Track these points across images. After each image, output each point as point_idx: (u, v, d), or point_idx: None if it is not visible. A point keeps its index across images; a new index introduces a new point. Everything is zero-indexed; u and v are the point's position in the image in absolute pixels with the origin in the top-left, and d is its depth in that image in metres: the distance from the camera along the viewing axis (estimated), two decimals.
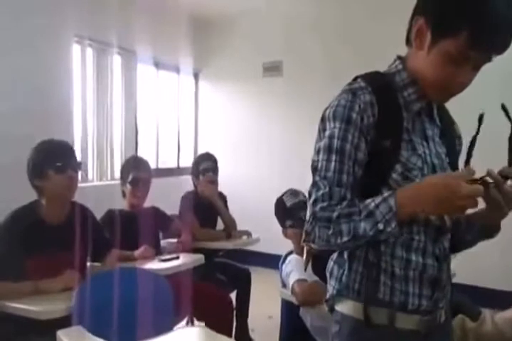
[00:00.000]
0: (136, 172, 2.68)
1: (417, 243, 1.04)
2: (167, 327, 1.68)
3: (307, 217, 1.02)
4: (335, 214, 0.97)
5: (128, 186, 2.68)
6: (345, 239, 0.96)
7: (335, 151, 1.01)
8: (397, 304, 1.03)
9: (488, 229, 1.11)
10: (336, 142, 1.02)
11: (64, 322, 1.64)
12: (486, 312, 1.78)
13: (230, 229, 3.11)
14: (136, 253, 2.41)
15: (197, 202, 3.06)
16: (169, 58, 4.97)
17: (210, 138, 5.44)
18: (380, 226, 0.93)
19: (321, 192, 1.00)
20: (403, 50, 1.09)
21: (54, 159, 1.95)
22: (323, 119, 1.07)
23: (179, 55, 5.10)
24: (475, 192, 0.89)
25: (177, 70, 5.17)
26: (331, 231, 0.97)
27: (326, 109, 1.08)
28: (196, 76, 5.46)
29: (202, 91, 5.50)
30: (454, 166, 1.12)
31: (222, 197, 3.26)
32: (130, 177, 2.66)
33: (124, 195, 2.74)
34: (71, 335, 1.50)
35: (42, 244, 1.91)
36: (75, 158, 2.06)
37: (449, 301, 1.11)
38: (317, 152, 1.06)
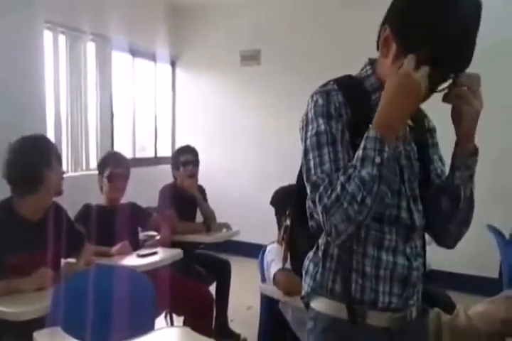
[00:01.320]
0: (114, 167, 2.66)
1: (388, 242, 1.06)
2: (148, 327, 1.66)
3: (322, 223, 0.99)
4: (338, 189, 0.94)
5: (105, 181, 2.65)
6: (359, 198, 0.92)
7: (326, 144, 1.01)
8: (367, 302, 1.06)
9: (464, 146, 1.06)
10: (323, 136, 1.01)
11: (40, 322, 1.61)
12: (460, 307, 1.83)
13: (210, 222, 3.09)
14: (114, 249, 2.38)
15: (176, 194, 3.04)
16: (145, 45, 4.85)
17: (187, 127, 5.38)
18: (377, 159, 0.93)
19: (321, 187, 0.97)
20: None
21: (56, 151, 2.06)
22: (306, 123, 1.06)
23: (156, 43, 4.99)
24: (423, 71, 0.93)
25: (153, 58, 5.06)
26: (345, 205, 0.93)
27: (304, 115, 1.08)
28: (173, 64, 5.36)
29: (179, 79, 5.41)
30: (425, 160, 1.13)
31: (201, 190, 3.24)
32: (107, 173, 2.64)
33: (101, 189, 2.70)
34: (48, 337, 1.47)
35: (20, 241, 1.88)
36: None
37: (420, 298, 1.14)
38: (305, 153, 1.04)
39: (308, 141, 1.03)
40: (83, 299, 1.70)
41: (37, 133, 2.07)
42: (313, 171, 1.00)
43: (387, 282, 1.06)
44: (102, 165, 2.72)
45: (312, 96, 1.07)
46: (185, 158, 3.12)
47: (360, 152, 0.96)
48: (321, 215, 0.98)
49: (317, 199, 0.97)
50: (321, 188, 0.97)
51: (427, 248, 1.16)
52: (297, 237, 1.21)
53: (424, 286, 1.15)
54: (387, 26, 1.02)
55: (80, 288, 1.74)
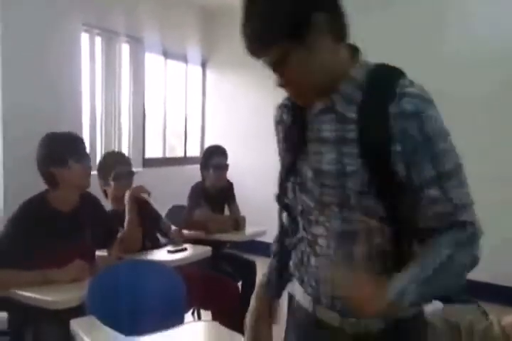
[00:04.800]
0: (120, 166, 2.54)
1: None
2: (178, 319, 1.71)
3: None
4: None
5: (112, 183, 2.52)
6: None
7: None
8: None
9: None
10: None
11: (76, 311, 1.67)
12: (494, 317, 1.81)
13: (238, 219, 3.15)
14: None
15: (205, 193, 3.10)
16: (177, 47, 4.95)
17: (216, 127, 5.44)
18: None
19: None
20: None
21: (75, 148, 2.00)
22: None
23: (187, 44, 5.08)
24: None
25: (185, 59, 5.15)
26: None
27: None
28: (204, 65, 5.44)
29: (209, 80, 5.49)
30: (372, 163, 0.92)
31: (229, 184, 3.30)
32: (113, 174, 2.50)
33: (105, 195, 2.58)
34: (84, 325, 1.53)
35: (54, 233, 1.92)
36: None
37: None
38: None
39: None
40: (116, 291, 1.77)
41: (63, 131, 2.05)
42: None
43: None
44: (105, 168, 2.55)
45: None
46: (217, 162, 3.10)
47: None
48: None
49: None
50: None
51: None
52: None
53: None
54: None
55: (114, 281, 1.80)
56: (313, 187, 1.00)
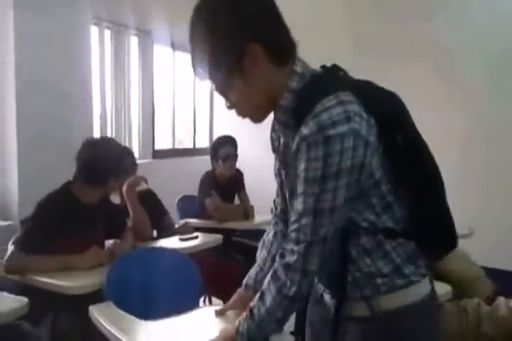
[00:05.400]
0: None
1: None
2: (192, 305, 1.76)
3: None
4: None
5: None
6: None
7: None
8: None
9: None
10: None
11: (94, 297, 1.73)
12: (501, 298, 1.84)
13: (247, 208, 3.20)
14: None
15: (215, 182, 3.16)
16: (185, 39, 4.92)
17: (225, 119, 5.46)
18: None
19: None
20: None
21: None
22: None
23: None
24: None
25: None
26: None
27: None
28: None
29: None
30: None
31: (239, 174, 3.35)
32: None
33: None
34: (102, 310, 1.57)
35: (77, 222, 2.02)
36: None
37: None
38: None
39: None
40: (133, 277, 1.83)
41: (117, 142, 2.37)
42: None
43: None
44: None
45: None
46: (226, 152, 3.13)
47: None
48: None
49: None
50: None
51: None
52: None
53: None
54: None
55: (130, 267, 1.86)
56: (285, 192, 1.11)
